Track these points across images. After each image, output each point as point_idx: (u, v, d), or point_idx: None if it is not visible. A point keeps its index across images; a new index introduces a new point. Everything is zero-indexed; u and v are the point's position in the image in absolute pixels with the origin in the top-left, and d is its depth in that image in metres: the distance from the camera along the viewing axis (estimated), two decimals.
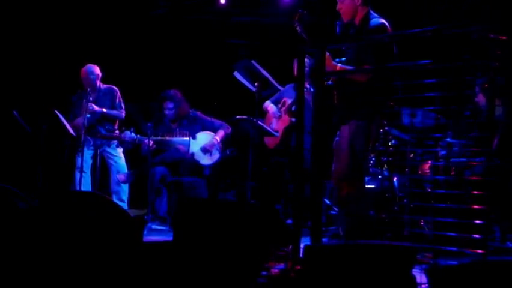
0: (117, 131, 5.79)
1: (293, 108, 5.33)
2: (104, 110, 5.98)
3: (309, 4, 4.02)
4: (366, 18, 3.92)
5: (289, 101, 5.53)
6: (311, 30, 3.81)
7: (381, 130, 4.63)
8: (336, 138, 4.06)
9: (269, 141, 5.71)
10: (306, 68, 4.71)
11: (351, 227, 3.89)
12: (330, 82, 3.99)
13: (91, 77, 6.02)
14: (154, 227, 5.34)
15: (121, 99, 6.19)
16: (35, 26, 7.01)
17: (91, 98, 5.79)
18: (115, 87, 6.21)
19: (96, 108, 5.87)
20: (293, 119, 3.75)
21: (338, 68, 3.87)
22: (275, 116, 5.65)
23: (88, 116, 5.70)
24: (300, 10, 3.91)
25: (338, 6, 4.01)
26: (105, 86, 6.19)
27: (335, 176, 3.95)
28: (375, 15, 3.97)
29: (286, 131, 5.51)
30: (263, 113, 5.76)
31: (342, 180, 3.88)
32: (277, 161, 5.83)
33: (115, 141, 5.75)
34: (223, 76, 5.84)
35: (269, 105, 5.73)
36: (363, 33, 3.90)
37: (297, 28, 3.87)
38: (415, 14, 5.93)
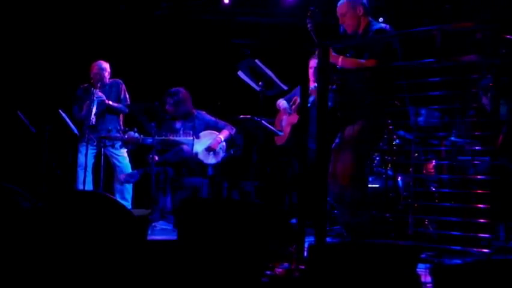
0: (121, 132, 5.78)
1: None
2: (110, 102, 6.02)
3: (313, 3, 4.02)
4: (369, 26, 4.04)
5: (299, 100, 5.50)
6: (319, 29, 3.83)
7: (385, 130, 4.62)
8: (337, 140, 4.06)
9: (277, 138, 5.70)
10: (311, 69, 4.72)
11: (351, 227, 3.89)
12: (334, 87, 4.02)
13: (102, 72, 6.11)
14: (158, 226, 5.34)
15: (126, 92, 6.24)
16: (38, 27, 7.02)
17: (98, 90, 5.90)
18: (119, 80, 6.27)
19: (100, 94, 5.92)
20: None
21: (340, 59, 3.92)
22: (286, 112, 5.63)
23: (95, 109, 5.75)
24: (311, 8, 3.92)
25: (341, 20, 4.09)
26: (110, 80, 6.26)
27: (335, 176, 3.95)
28: (376, 23, 4.09)
29: (294, 129, 5.48)
30: (276, 110, 5.75)
31: (345, 180, 3.88)
32: (282, 160, 5.81)
33: (119, 141, 5.75)
34: (227, 76, 5.83)
35: (281, 102, 5.69)
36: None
37: (308, 25, 3.88)
38: (417, 14, 5.92)
